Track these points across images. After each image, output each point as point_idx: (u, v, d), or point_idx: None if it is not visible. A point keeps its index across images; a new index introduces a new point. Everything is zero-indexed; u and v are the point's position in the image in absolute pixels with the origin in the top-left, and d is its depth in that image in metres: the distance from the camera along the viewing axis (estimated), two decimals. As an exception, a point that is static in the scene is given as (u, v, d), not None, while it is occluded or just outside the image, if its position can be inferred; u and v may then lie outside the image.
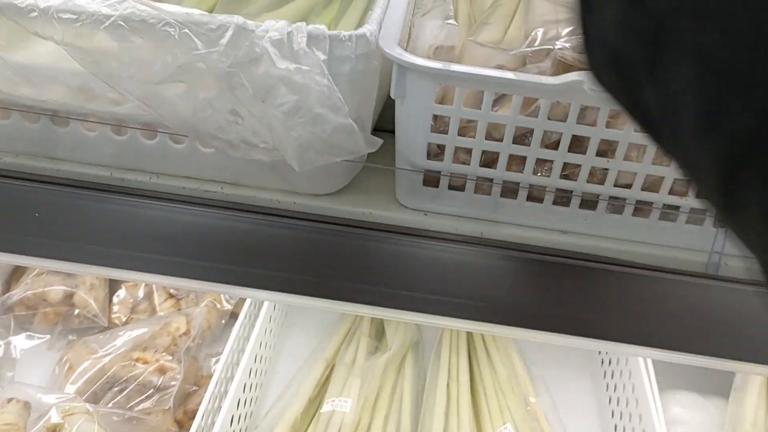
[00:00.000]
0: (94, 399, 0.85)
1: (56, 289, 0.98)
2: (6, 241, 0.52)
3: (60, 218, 0.52)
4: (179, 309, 1.00)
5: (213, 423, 0.79)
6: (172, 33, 0.43)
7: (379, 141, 0.47)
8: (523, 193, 0.51)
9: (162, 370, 0.86)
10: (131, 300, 1.03)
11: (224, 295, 1.01)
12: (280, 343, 1.02)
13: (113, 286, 1.04)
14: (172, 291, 1.03)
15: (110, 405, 0.83)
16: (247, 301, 0.95)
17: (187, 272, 0.52)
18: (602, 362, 0.99)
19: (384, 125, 0.56)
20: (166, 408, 0.83)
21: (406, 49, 0.46)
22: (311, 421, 0.88)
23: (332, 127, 0.43)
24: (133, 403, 0.84)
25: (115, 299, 1.02)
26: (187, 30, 0.43)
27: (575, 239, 0.52)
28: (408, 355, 0.99)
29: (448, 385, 0.93)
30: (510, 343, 1.00)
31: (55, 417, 0.76)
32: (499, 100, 0.48)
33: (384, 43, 0.46)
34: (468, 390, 0.93)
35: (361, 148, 0.45)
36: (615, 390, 0.93)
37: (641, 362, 0.83)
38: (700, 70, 0.22)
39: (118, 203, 0.51)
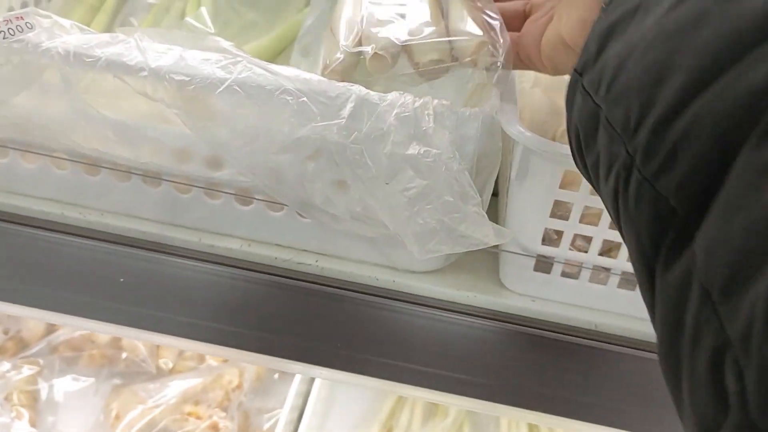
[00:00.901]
0: (143, 453, 0.81)
1: (131, 338, 0.95)
2: (86, 305, 0.49)
3: (143, 284, 0.49)
4: (230, 362, 0.97)
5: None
6: (291, 102, 0.40)
7: (510, 233, 0.43)
8: (642, 286, 0.47)
9: (215, 428, 0.82)
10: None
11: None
12: (331, 397, 0.98)
13: (163, 330, 1.01)
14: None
15: (160, 461, 0.79)
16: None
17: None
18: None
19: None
20: (218, 468, 0.79)
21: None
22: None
23: (462, 216, 0.39)
24: (183, 461, 0.80)
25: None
26: (305, 99, 0.40)
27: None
28: (465, 423, 0.95)
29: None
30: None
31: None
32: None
33: (506, 122, 0.43)
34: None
35: (490, 240, 0.41)
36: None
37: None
38: None
39: (205, 272, 0.48)
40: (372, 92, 0.41)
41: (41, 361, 0.97)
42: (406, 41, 0.42)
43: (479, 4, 0.46)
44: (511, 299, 0.49)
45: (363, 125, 0.40)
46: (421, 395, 0.48)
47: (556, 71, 0.42)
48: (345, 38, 0.43)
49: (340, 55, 0.42)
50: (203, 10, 0.57)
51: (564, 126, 0.48)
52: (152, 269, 0.49)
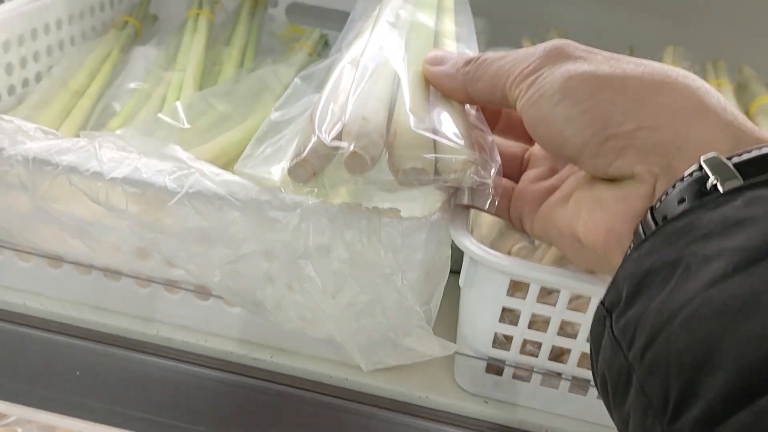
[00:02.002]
0: None
1: None
2: (41, 398, 0.49)
3: (100, 378, 0.49)
4: None
5: None
6: (238, 217, 0.41)
7: (453, 346, 0.44)
8: (593, 391, 0.48)
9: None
10: None
11: None
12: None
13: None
14: None
15: None
16: None
17: None
18: None
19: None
20: None
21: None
22: None
23: (407, 331, 0.40)
24: None
25: None
26: (253, 214, 0.41)
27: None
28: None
29: None
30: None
31: None
32: (577, 297, 0.45)
33: (455, 232, 0.43)
34: None
35: (435, 353, 0.42)
36: None
37: None
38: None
39: (161, 367, 0.49)
40: (320, 205, 0.42)
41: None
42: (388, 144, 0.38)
43: (471, 118, 0.43)
44: (465, 400, 0.49)
45: (309, 240, 0.41)
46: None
47: (548, 242, 0.41)
48: (324, 128, 0.39)
49: (315, 146, 0.38)
50: (178, 105, 0.58)
51: (521, 244, 0.49)
52: (109, 363, 0.49)
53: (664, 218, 0.29)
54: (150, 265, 0.48)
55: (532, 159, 0.45)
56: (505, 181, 0.43)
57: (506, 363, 0.48)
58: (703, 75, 0.77)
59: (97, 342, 0.49)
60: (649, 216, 0.30)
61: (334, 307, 0.41)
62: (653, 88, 0.33)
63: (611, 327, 0.28)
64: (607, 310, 0.29)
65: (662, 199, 0.30)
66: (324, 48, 0.84)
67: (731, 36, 0.91)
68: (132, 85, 0.69)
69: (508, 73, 0.37)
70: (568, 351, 0.47)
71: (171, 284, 0.49)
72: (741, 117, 0.32)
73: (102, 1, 0.81)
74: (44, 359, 0.50)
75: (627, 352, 0.27)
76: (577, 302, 0.45)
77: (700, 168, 0.29)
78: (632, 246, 0.31)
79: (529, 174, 0.44)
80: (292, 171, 0.37)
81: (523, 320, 0.45)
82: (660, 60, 0.78)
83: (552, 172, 0.42)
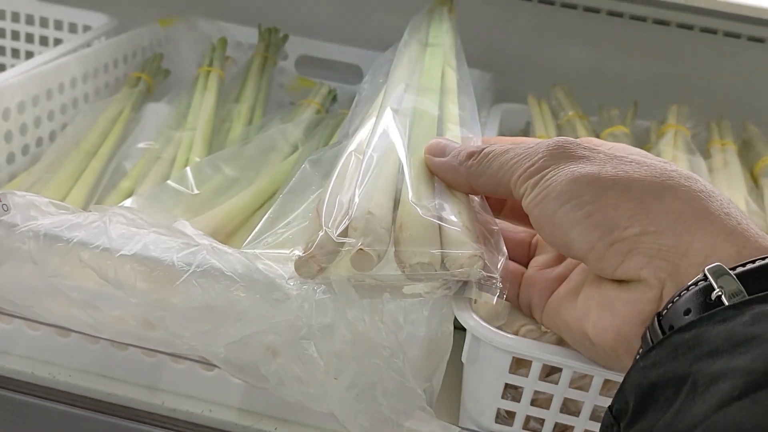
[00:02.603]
0: None
1: None
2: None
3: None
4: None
5: None
6: (243, 299, 0.41)
7: (456, 429, 0.44)
8: (597, 468, 0.48)
9: None
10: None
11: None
12: None
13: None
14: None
15: None
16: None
17: None
18: None
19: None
20: None
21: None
22: None
23: (408, 413, 0.40)
24: None
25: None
26: (259, 296, 0.42)
27: None
28: None
29: None
30: None
31: None
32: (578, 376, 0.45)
33: (458, 309, 0.44)
34: None
35: (436, 436, 0.42)
36: None
37: None
38: None
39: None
40: (323, 283, 0.42)
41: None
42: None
43: (476, 206, 0.43)
44: (468, 474, 0.49)
45: (312, 320, 0.41)
46: None
47: (557, 333, 0.42)
48: (331, 223, 0.39)
49: (321, 242, 0.38)
50: (187, 170, 0.59)
51: (530, 327, 0.49)
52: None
53: (671, 327, 0.29)
54: (156, 337, 0.48)
55: (540, 244, 0.45)
56: (514, 266, 0.44)
57: (509, 438, 0.48)
58: (708, 134, 0.78)
59: (103, 413, 0.50)
60: (656, 323, 0.31)
61: (336, 387, 0.41)
62: (656, 192, 0.33)
63: None
64: (614, 417, 0.30)
65: (669, 307, 0.30)
66: (332, 103, 0.85)
67: (736, 92, 0.91)
68: (142, 145, 0.70)
69: (512, 170, 0.38)
70: (572, 428, 0.47)
71: (177, 355, 0.50)
72: (744, 221, 0.32)
73: (116, 57, 0.83)
74: (51, 430, 0.50)
75: None
76: (580, 382, 0.45)
77: (705, 278, 0.29)
78: (640, 353, 0.31)
79: (537, 260, 0.44)
80: (299, 266, 0.38)
81: (526, 397, 0.46)
82: (664, 119, 0.79)
83: (560, 258, 0.43)
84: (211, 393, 0.51)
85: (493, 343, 0.43)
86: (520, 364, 0.46)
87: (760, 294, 0.27)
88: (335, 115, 0.77)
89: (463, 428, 0.48)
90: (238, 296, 0.41)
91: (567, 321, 0.38)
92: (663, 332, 0.30)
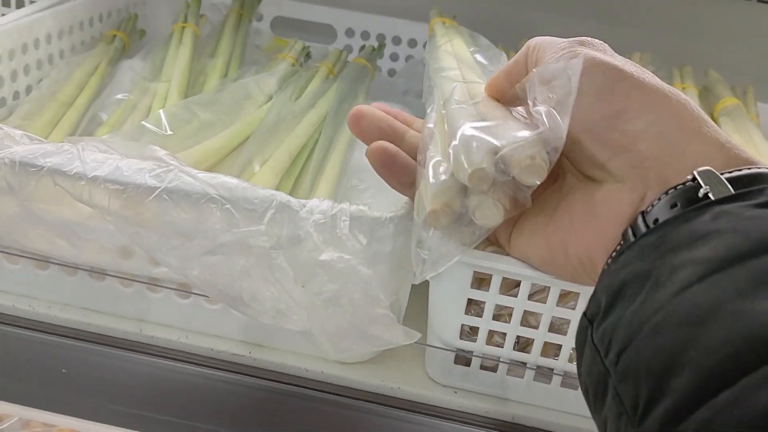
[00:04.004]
0: None
1: (69, 427, 0.96)
2: (29, 394, 0.51)
3: (86, 375, 0.51)
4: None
5: None
6: (215, 209, 0.43)
7: (417, 334, 0.46)
8: (557, 379, 0.50)
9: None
10: None
11: None
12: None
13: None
14: None
15: None
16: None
17: None
18: None
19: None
20: None
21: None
22: None
23: (372, 319, 0.42)
24: None
25: None
26: (229, 206, 0.43)
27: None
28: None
29: None
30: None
31: None
32: (538, 290, 0.47)
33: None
34: None
35: (399, 340, 0.44)
36: None
37: None
38: None
39: (145, 364, 0.51)
40: (293, 199, 0.44)
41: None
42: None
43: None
44: (435, 391, 0.51)
45: (282, 231, 0.43)
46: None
47: (523, 258, 0.42)
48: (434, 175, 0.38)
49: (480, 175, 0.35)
50: (161, 113, 0.61)
51: (493, 249, 0.51)
52: (94, 360, 0.51)
53: (656, 221, 0.31)
54: (133, 264, 0.50)
55: None
56: None
57: (473, 354, 0.50)
58: (670, 80, 0.80)
59: (83, 340, 0.51)
60: (639, 219, 0.32)
61: (304, 295, 0.43)
62: (663, 95, 0.34)
63: (591, 336, 0.30)
64: (588, 320, 0.31)
65: (654, 203, 0.31)
66: (306, 59, 0.86)
67: (698, 42, 0.94)
68: (119, 96, 0.72)
69: (544, 48, 0.38)
70: (532, 342, 0.49)
71: (153, 283, 0.51)
72: (732, 140, 0.33)
73: (91, 15, 0.84)
74: (31, 357, 0.52)
75: (604, 358, 0.29)
76: (538, 296, 0.47)
77: (694, 179, 0.30)
78: (612, 256, 0.32)
79: None
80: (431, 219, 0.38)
81: (488, 312, 0.48)
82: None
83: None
84: (187, 320, 0.53)
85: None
86: (482, 282, 0.48)
87: (721, 197, 0.29)
88: (309, 68, 0.79)
89: (429, 345, 0.50)
90: (209, 207, 0.43)
91: (542, 240, 0.39)
92: (647, 227, 0.31)
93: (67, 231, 0.47)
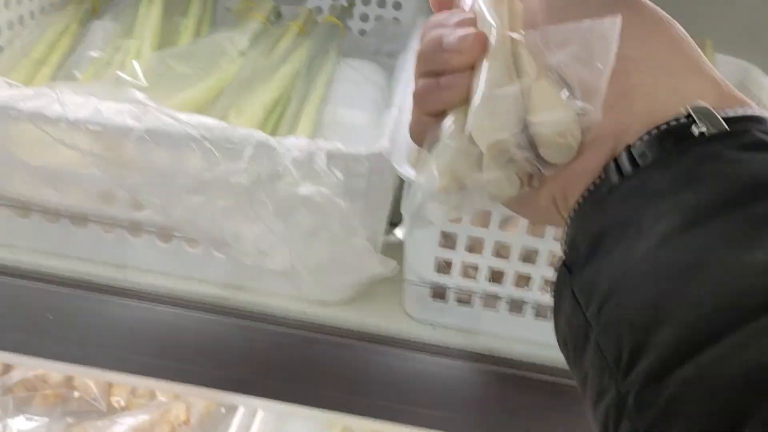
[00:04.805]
0: (90, 489, 0.83)
1: (57, 371, 0.97)
2: (16, 341, 0.52)
3: (71, 320, 0.52)
4: (178, 397, 0.99)
5: None
6: (195, 147, 0.44)
7: (394, 264, 0.48)
8: (530, 312, 0.52)
9: (160, 461, 0.85)
10: (131, 385, 1.02)
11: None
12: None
13: (115, 369, 1.03)
14: (173, 377, 1.02)
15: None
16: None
17: (188, 378, 0.53)
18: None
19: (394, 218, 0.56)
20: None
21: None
22: None
23: (349, 249, 0.44)
24: (129, 494, 0.82)
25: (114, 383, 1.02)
26: (209, 144, 0.45)
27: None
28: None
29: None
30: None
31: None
32: (508, 219, 0.49)
33: (396, 162, 0.47)
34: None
35: (376, 270, 0.46)
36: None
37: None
38: None
39: (129, 308, 0.52)
40: (271, 137, 0.45)
41: (-6, 402, 0.98)
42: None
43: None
44: (413, 327, 0.53)
45: (262, 167, 0.45)
46: (321, 416, 0.52)
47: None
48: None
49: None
50: (134, 63, 0.61)
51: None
52: (79, 305, 0.52)
53: (642, 156, 0.28)
54: (115, 210, 0.51)
55: None
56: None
57: (449, 287, 0.52)
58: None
59: (67, 286, 0.52)
60: (625, 155, 0.29)
61: (285, 230, 0.44)
62: (657, 23, 0.31)
63: (572, 287, 0.29)
64: (568, 268, 0.29)
65: (643, 138, 0.28)
66: (277, 18, 0.87)
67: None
68: (92, 54, 0.72)
69: None
70: (503, 275, 0.51)
71: (135, 227, 0.52)
72: (725, 82, 0.30)
73: (61, -23, 0.83)
74: (17, 304, 0.53)
75: (585, 310, 0.27)
76: (512, 228, 0.49)
77: (688, 116, 0.28)
78: (588, 192, 0.29)
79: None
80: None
81: (461, 243, 0.50)
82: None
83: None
84: (170, 265, 0.54)
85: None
86: (456, 219, 0.49)
87: (706, 137, 0.27)
88: (280, 26, 0.79)
89: (406, 280, 0.52)
90: (189, 147, 0.44)
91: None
92: (633, 162, 0.28)
93: (49, 176, 0.48)
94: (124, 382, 0.59)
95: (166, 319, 0.52)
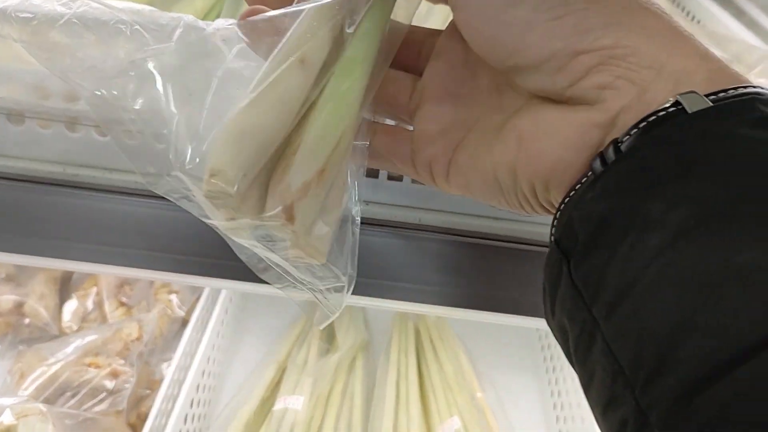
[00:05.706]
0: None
1: (6, 299, 0.98)
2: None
3: (13, 212, 0.54)
4: (130, 316, 1.02)
5: (166, 423, 0.80)
6: (124, 29, 0.46)
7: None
8: (457, 183, 0.55)
9: (115, 374, 0.87)
10: (82, 309, 1.04)
11: (175, 299, 1.02)
12: (233, 348, 1.04)
13: (63, 295, 1.05)
14: (123, 299, 1.04)
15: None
16: (198, 307, 0.97)
17: (140, 263, 0.55)
18: (543, 355, 1.04)
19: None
20: (120, 410, 0.84)
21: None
22: (264, 420, 0.90)
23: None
24: (86, 407, 0.85)
25: (65, 309, 1.03)
26: (138, 27, 0.46)
27: (506, 224, 0.56)
28: (358, 355, 1.03)
29: (397, 382, 0.96)
30: (456, 342, 1.04)
31: (8, 418, 0.76)
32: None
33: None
34: (417, 387, 0.96)
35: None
36: (557, 383, 0.97)
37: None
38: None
39: (71, 196, 0.54)
40: (199, 20, 0.47)
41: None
42: None
43: None
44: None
45: (192, 48, 0.46)
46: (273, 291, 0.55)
47: (465, 191, 0.36)
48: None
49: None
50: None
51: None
52: (22, 198, 0.54)
53: (632, 149, 0.26)
54: (52, 104, 0.52)
55: (425, 94, 0.36)
56: (396, 128, 0.38)
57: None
58: None
59: (9, 180, 0.54)
60: (611, 150, 0.27)
61: (214, 107, 0.46)
62: (627, 3, 0.29)
63: (570, 273, 0.27)
64: (563, 252, 0.28)
65: (632, 133, 0.27)
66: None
67: None
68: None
69: None
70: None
71: (72, 122, 0.54)
72: (712, 52, 0.28)
73: None
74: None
75: (590, 305, 0.25)
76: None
77: (676, 103, 0.26)
78: (583, 183, 0.28)
79: (425, 114, 0.36)
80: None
81: (390, 120, 0.52)
82: None
83: (455, 103, 0.35)
84: (109, 159, 0.55)
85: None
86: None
87: (700, 109, 0.25)
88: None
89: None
90: (118, 29, 0.45)
91: (485, 167, 0.33)
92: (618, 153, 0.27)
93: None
94: (74, 269, 0.60)
95: (109, 205, 0.54)
